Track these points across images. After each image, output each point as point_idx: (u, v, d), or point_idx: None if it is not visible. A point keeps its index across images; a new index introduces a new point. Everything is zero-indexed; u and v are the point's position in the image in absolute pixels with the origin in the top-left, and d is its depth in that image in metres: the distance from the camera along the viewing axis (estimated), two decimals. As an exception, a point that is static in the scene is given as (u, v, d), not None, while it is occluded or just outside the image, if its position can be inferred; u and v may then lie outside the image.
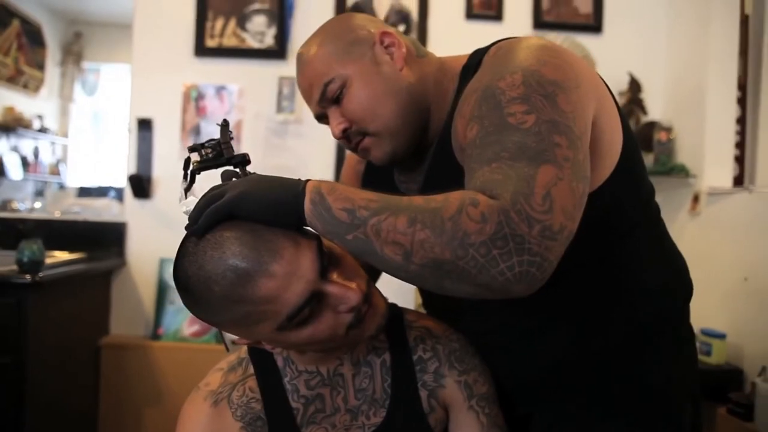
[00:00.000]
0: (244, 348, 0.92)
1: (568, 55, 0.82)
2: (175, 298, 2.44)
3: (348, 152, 1.18)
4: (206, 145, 0.84)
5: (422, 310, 1.09)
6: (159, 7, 2.53)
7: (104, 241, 2.49)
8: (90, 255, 2.37)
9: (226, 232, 0.71)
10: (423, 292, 1.11)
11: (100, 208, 2.69)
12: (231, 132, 0.86)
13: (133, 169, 2.50)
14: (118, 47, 4.63)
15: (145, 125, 2.49)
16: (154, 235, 2.47)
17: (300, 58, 0.96)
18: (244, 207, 0.71)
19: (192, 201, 0.78)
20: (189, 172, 0.84)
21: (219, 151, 0.83)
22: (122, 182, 2.61)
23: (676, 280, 0.97)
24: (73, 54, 4.95)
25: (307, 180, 0.72)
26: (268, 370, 0.89)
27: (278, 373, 0.89)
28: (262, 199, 0.71)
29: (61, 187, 4.61)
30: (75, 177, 5.03)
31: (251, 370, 0.89)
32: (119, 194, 2.76)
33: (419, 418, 0.89)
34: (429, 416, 0.90)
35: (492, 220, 0.64)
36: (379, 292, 0.83)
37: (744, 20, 2.46)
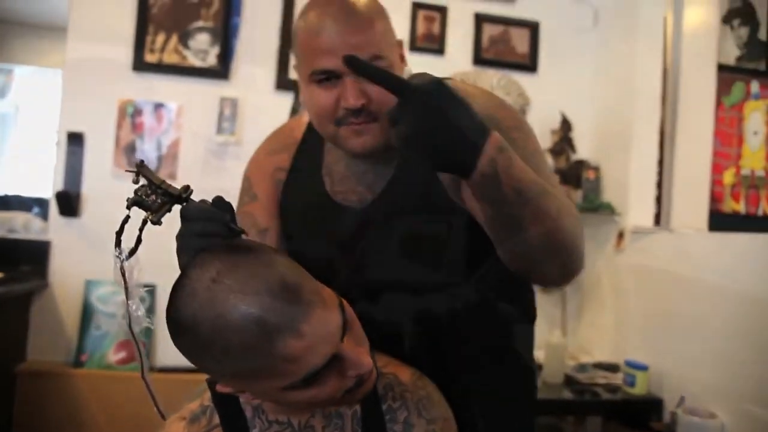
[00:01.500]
0: (207, 395, 0.88)
1: None
2: (101, 323, 2.32)
3: (264, 158, 1.12)
4: (142, 194, 0.78)
5: None
6: (97, 15, 2.42)
7: (24, 260, 2.33)
8: (7, 275, 2.21)
9: (251, 279, 0.67)
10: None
11: (17, 223, 2.52)
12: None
13: (60, 185, 2.36)
14: (36, 49, 4.38)
15: (75, 139, 2.36)
16: (81, 255, 2.34)
17: (359, 8, 0.93)
18: (412, 144, 0.70)
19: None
20: (140, 230, 0.77)
21: (164, 192, 0.78)
22: (41, 194, 2.46)
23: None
24: (-18, 52, 4.63)
25: (483, 144, 0.71)
26: (235, 421, 0.85)
27: (245, 424, 0.85)
28: (435, 147, 0.70)
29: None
30: (-23, 184, 4.67)
31: (216, 420, 0.85)
32: (43, 209, 2.60)
33: None
34: None
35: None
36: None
37: (666, 70, 2.66)
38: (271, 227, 1.07)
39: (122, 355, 2.31)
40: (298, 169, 1.08)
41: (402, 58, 0.99)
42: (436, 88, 0.70)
